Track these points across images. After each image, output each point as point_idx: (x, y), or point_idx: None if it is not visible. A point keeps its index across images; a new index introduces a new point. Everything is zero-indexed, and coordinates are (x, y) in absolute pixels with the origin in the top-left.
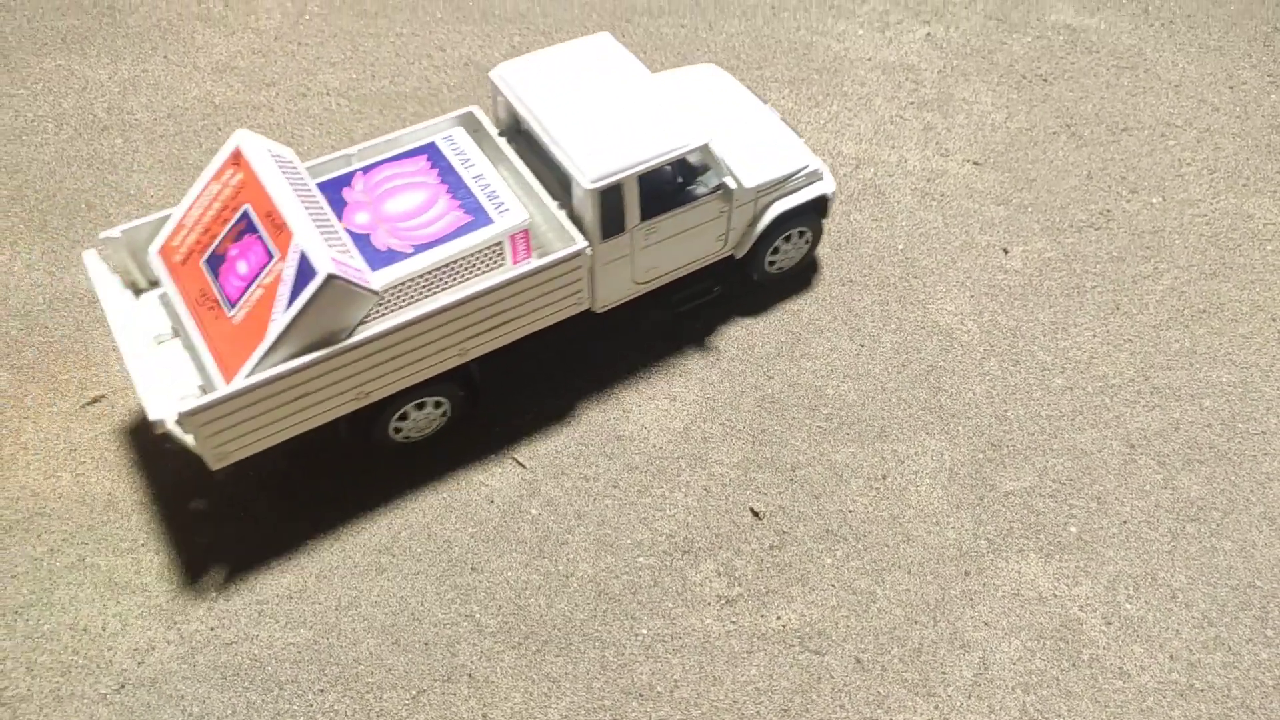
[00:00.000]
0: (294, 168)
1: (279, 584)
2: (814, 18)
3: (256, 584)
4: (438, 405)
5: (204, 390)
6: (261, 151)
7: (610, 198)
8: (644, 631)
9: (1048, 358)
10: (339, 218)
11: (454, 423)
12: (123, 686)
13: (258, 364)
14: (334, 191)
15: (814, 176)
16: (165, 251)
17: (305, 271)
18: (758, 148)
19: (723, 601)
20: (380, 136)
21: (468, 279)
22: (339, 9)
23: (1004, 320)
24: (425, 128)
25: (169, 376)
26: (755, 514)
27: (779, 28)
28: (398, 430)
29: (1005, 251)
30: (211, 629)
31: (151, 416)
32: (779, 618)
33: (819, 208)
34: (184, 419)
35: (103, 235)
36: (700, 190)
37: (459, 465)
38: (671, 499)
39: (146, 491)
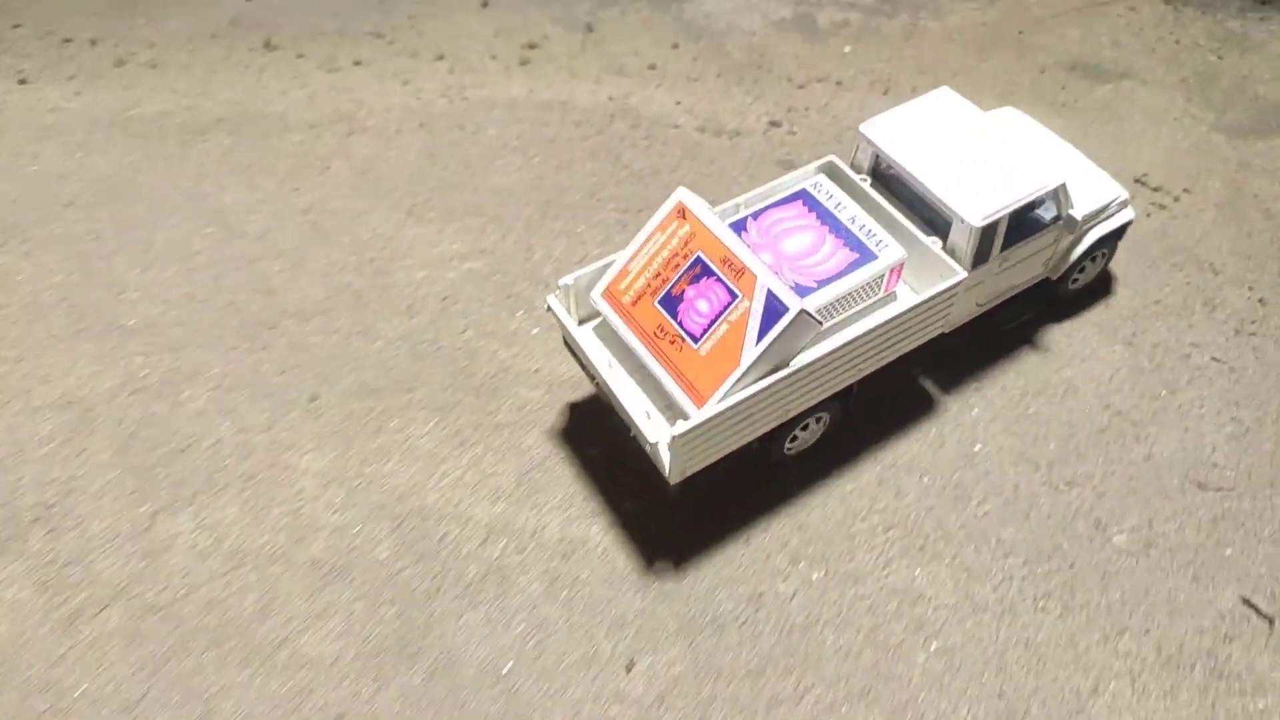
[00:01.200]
0: (721, 220)
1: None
2: None
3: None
4: (819, 420)
5: (671, 413)
6: (701, 204)
7: (988, 233)
8: None
9: None
10: None
11: (828, 434)
12: None
13: (729, 390)
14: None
15: (1123, 204)
16: (611, 294)
17: (774, 308)
18: (1077, 181)
19: None
20: (755, 189)
21: (855, 307)
22: None
23: None
24: (793, 178)
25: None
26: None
27: None
28: (791, 445)
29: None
30: None
31: (650, 439)
32: None
33: (1120, 231)
34: (675, 442)
35: (561, 282)
36: (1043, 220)
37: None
38: None
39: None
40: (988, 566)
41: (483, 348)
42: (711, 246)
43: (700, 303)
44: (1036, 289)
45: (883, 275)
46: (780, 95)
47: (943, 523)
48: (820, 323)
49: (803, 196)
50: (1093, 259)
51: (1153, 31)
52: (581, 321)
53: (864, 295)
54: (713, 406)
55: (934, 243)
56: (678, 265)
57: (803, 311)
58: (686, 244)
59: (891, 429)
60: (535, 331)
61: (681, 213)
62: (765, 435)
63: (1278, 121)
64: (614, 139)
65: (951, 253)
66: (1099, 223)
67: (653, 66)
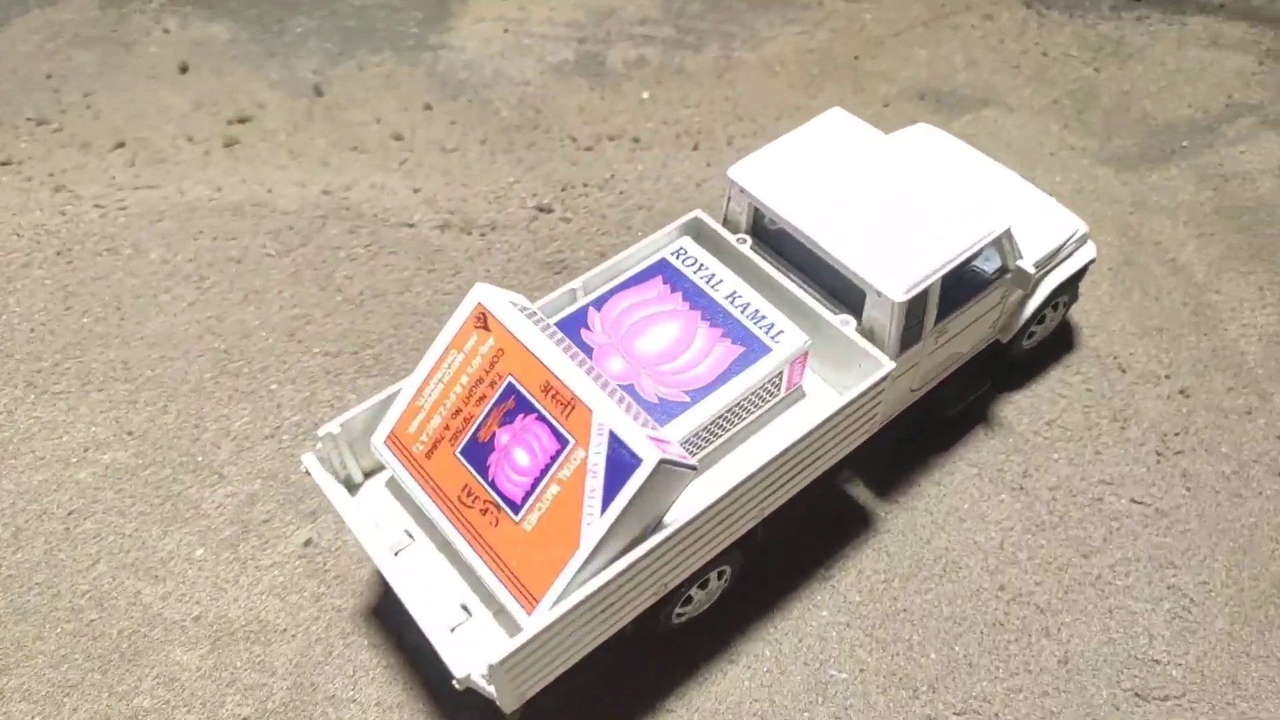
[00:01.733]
0: (540, 320)
1: None
2: None
3: None
4: (720, 576)
5: (487, 610)
6: (507, 307)
7: (915, 307)
8: None
9: None
10: None
11: (730, 588)
12: None
13: (571, 583)
14: (572, 334)
15: (1083, 239)
16: (397, 440)
17: (621, 460)
18: (1022, 216)
19: None
20: (599, 263)
21: (745, 417)
22: None
23: None
24: (648, 244)
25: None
26: None
27: None
28: (679, 616)
29: None
30: None
31: (458, 674)
32: None
33: (1081, 273)
34: (495, 671)
35: (322, 432)
36: (985, 275)
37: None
38: None
39: None
40: None
41: (119, 589)
42: (527, 368)
43: (518, 452)
44: (984, 354)
45: (781, 372)
46: (557, 165)
47: None
48: (694, 468)
49: (662, 270)
50: (1053, 307)
51: (1014, 44)
52: (369, 474)
53: (757, 402)
54: (546, 614)
55: (845, 323)
56: (484, 397)
57: (663, 463)
58: (492, 365)
59: (706, 656)
60: (199, 553)
61: (481, 319)
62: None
63: (1171, 144)
64: (324, 251)
65: (869, 335)
66: (1054, 267)
67: (398, 137)
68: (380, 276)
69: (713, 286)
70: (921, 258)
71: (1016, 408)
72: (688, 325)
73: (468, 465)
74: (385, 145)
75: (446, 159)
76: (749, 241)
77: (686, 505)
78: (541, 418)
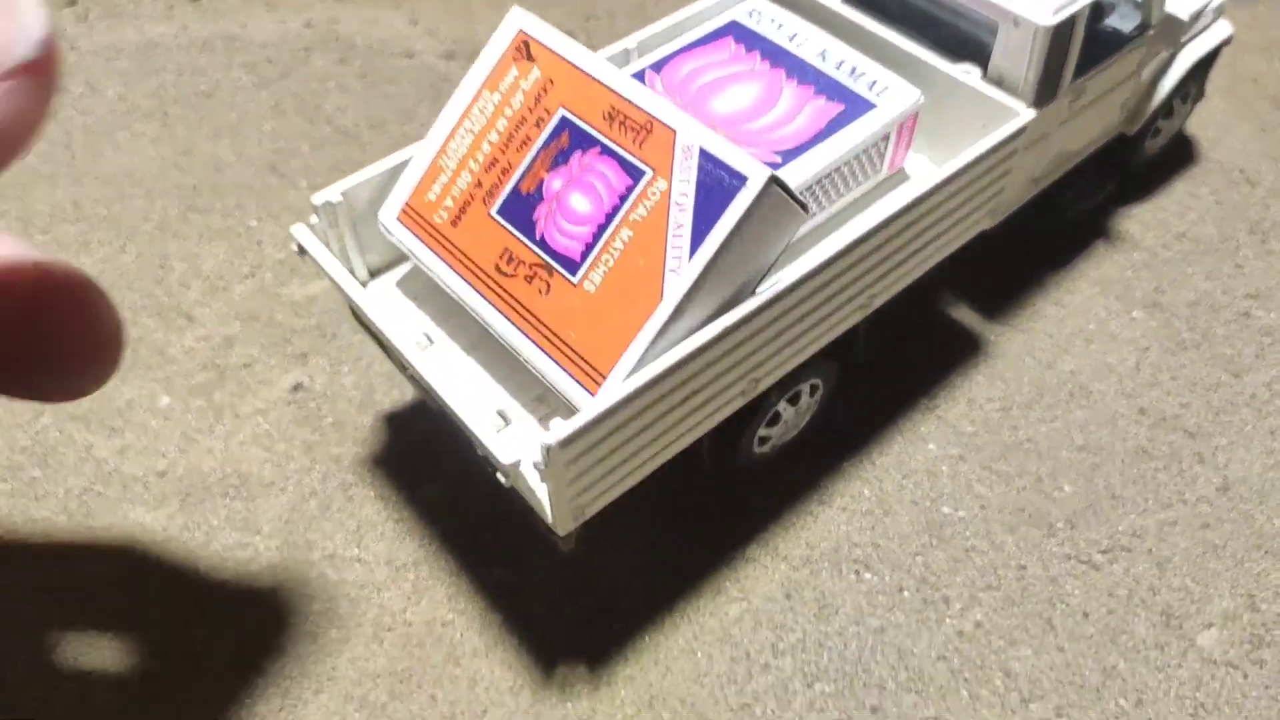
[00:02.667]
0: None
1: None
2: None
3: None
4: (812, 391)
5: (547, 408)
6: (554, 31)
7: (1059, 42)
8: None
9: None
10: None
11: (817, 419)
12: None
13: (650, 348)
14: None
15: (1219, 10)
16: (413, 213)
17: (718, 184)
18: None
19: None
20: (652, 24)
21: (844, 190)
22: None
23: None
24: (713, 4)
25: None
26: None
27: None
28: (763, 441)
29: None
30: None
31: (504, 459)
32: None
33: (1213, 56)
34: (553, 460)
35: (318, 199)
36: (1123, 34)
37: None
38: None
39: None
40: None
41: (66, 442)
42: (585, 95)
43: (575, 198)
44: (1102, 156)
45: (888, 134)
46: (576, 2)
47: (906, 658)
48: (805, 207)
49: (732, 31)
50: (1182, 99)
51: None
52: (375, 273)
53: (862, 171)
54: (618, 387)
55: (968, 72)
56: (528, 139)
57: (773, 181)
58: (538, 100)
59: (792, 497)
60: (165, 402)
61: (524, 49)
62: (715, 434)
63: None
64: (310, 82)
65: (999, 83)
66: (1191, 39)
67: None
68: (379, 105)
69: (796, 45)
70: None
71: (1139, 221)
72: (771, 84)
73: (507, 225)
74: None
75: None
76: None
77: (785, 275)
78: (606, 151)
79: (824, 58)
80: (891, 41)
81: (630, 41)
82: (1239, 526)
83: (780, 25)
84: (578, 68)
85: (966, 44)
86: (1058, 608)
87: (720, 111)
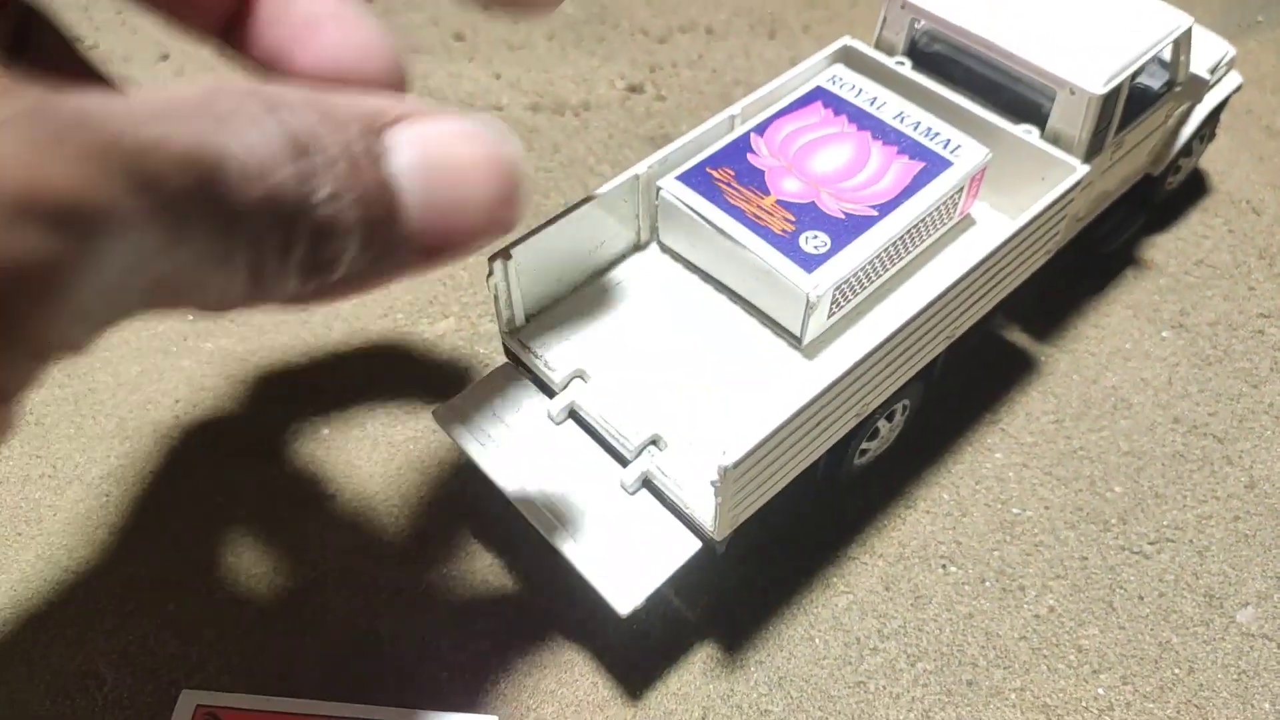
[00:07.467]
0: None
1: None
2: None
3: None
4: (903, 410)
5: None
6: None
7: (1108, 105)
8: None
9: None
10: (763, 189)
11: (900, 437)
12: None
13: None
14: (738, 160)
15: (1231, 63)
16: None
17: None
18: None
19: None
20: (747, 95)
21: (926, 237)
22: None
23: None
24: (798, 74)
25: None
26: None
27: None
28: (863, 453)
29: None
30: None
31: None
32: None
33: (1223, 104)
34: (726, 476)
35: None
36: (1154, 90)
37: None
38: None
39: None
40: (1072, 695)
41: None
42: None
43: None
44: (1131, 193)
45: (963, 187)
46: (636, 53)
47: (993, 639)
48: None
49: (820, 96)
50: (1199, 139)
51: None
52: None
53: (940, 219)
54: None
55: (1029, 132)
56: None
57: None
58: None
59: (882, 502)
60: (325, 432)
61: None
62: (828, 452)
63: (1247, 17)
64: None
65: (1055, 141)
66: (1211, 87)
67: (459, 37)
68: None
69: (876, 108)
70: (1114, 52)
71: (1163, 250)
72: (860, 145)
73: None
74: (448, 45)
75: (517, 54)
76: (908, 63)
77: (900, 313)
78: None
79: (902, 120)
80: (959, 105)
81: (735, 108)
82: (1265, 519)
83: (860, 90)
84: None
85: (1024, 106)
86: (1117, 593)
87: (819, 170)
